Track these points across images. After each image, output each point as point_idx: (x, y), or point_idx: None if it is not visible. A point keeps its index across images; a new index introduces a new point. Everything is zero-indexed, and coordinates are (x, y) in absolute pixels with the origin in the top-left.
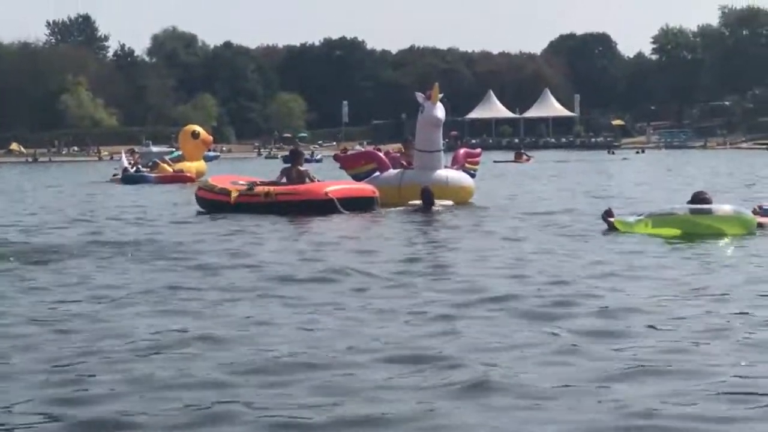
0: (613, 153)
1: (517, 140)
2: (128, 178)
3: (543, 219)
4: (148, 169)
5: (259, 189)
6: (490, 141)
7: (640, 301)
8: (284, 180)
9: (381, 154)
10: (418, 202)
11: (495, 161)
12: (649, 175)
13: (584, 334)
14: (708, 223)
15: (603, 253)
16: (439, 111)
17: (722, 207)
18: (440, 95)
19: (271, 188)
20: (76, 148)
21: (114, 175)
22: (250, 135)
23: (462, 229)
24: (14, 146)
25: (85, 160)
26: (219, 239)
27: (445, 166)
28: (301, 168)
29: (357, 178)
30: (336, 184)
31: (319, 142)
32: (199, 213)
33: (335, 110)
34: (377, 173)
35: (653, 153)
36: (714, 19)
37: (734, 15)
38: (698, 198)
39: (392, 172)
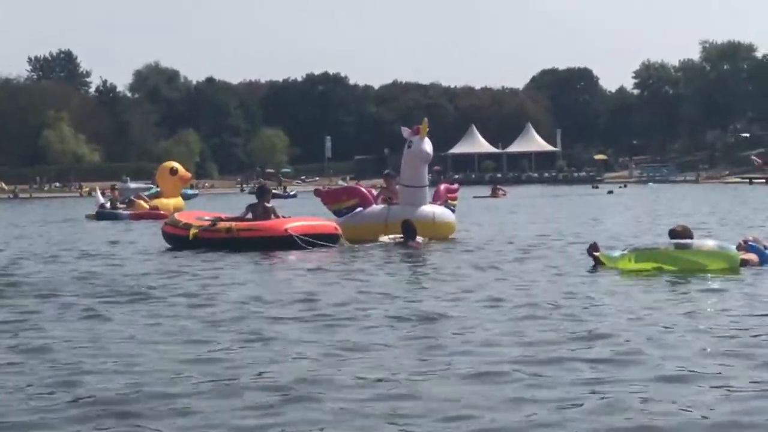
0: (597, 187)
1: (499, 175)
2: (102, 215)
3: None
4: (125, 206)
5: (221, 225)
6: (473, 176)
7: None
8: (249, 216)
9: (363, 189)
10: (395, 236)
11: (474, 197)
12: (645, 210)
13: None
14: (691, 259)
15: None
16: (428, 146)
17: (706, 242)
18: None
19: (233, 224)
20: (57, 184)
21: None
22: (233, 170)
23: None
24: None
25: (66, 196)
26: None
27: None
28: (268, 204)
29: (338, 213)
30: (298, 220)
31: (302, 177)
32: (166, 249)
33: (318, 145)
34: (360, 209)
35: (639, 187)
36: (695, 54)
37: (715, 49)
38: (676, 233)
39: (377, 207)
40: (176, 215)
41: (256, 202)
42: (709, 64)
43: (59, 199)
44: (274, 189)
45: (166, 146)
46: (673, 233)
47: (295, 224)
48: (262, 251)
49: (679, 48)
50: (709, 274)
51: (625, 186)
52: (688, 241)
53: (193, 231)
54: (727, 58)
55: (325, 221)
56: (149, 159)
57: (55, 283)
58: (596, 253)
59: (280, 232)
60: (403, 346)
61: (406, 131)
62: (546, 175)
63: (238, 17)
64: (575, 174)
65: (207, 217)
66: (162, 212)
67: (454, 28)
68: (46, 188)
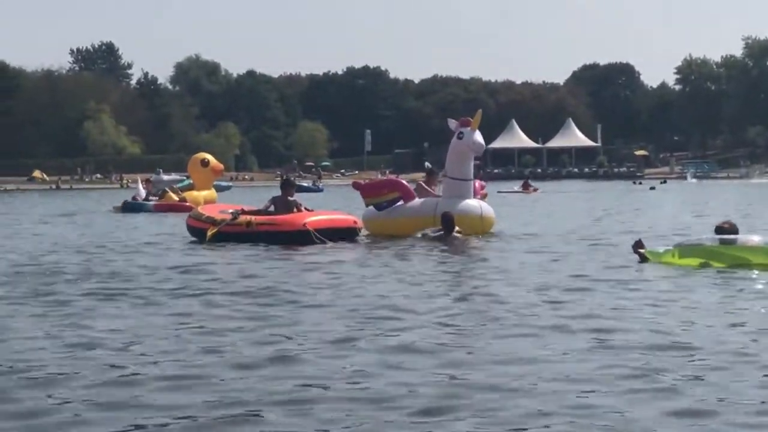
0: (640, 183)
1: (539, 170)
2: (128, 207)
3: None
4: (157, 198)
5: (242, 218)
6: (513, 171)
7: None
8: (271, 208)
9: (405, 183)
10: (436, 229)
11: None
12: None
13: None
14: (736, 254)
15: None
16: (480, 138)
17: (751, 237)
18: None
19: (253, 218)
20: (99, 176)
21: (125, 201)
22: (272, 163)
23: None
24: (37, 173)
25: (107, 188)
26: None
27: None
28: (291, 198)
29: (379, 207)
30: (318, 214)
31: (342, 170)
32: (191, 241)
33: (357, 139)
34: (400, 202)
35: (684, 184)
36: (738, 50)
37: (758, 46)
38: (722, 229)
39: (426, 200)
40: (200, 208)
41: (280, 194)
42: (751, 61)
43: (99, 190)
44: (305, 182)
45: (206, 139)
46: (720, 230)
47: (314, 218)
48: (285, 246)
49: (721, 44)
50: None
51: (665, 182)
52: (733, 236)
53: (210, 232)
54: None
55: (345, 215)
56: (189, 151)
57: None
58: (641, 250)
59: (299, 226)
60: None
61: (453, 123)
62: (586, 170)
63: (279, 10)
64: (615, 170)
65: (230, 210)
66: (188, 204)
67: (495, 22)
68: (87, 180)
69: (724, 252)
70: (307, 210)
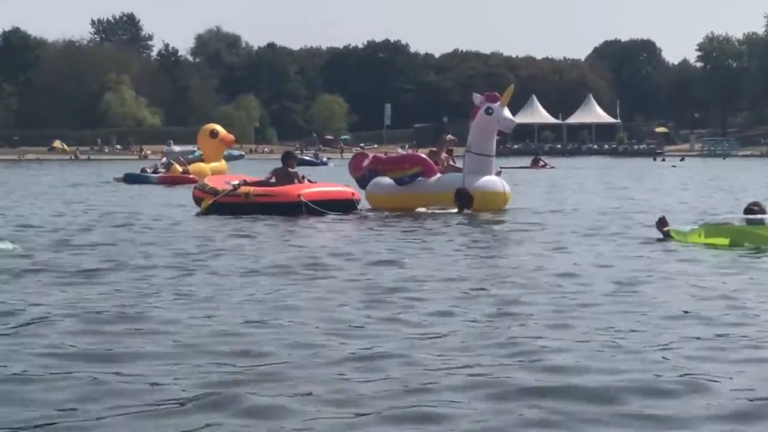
0: (663, 160)
1: (559, 146)
2: (130, 178)
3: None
4: (165, 169)
5: (241, 189)
6: (533, 146)
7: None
8: (273, 179)
9: (427, 158)
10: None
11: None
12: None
13: None
14: (764, 234)
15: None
16: (510, 114)
17: None
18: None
19: (251, 189)
20: (119, 147)
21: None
22: (292, 136)
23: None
24: (57, 144)
25: (127, 159)
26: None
27: None
28: (291, 169)
29: (400, 182)
30: (315, 186)
31: (361, 144)
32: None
33: (377, 113)
34: (421, 178)
35: (706, 160)
36: (760, 28)
37: None
38: (752, 209)
39: (452, 175)
40: (206, 179)
41: (281, 166)
42: None
43: (116, 161)
44: (307, 156)
45: (225, 111)
46: (749, 211)
47: (309, 190)
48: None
49: (743, 21)
50: None
51: (683, 159)
52: (760, 216)
53: (205, 203)
54: None
55: (343, 187)
56: (208, 123)
57: None
58: (666, 228)
59: (293, 198)
60: None
61: (478, 97)
62: (606, 147)
63: None
64: (635, 146)
65: (235, 182)
66: (191, 177)
67: None
68: (106, 150)
69: (752, 231)
70: (310, 182)
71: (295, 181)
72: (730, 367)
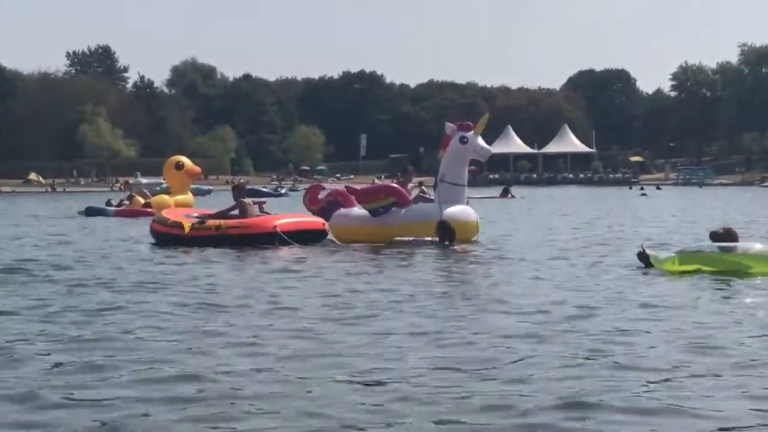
0: (641, 188)
1: (535, 175)
2: (90, 211)
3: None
4: (128, 202)
5: (210, 222)
6: (508, 176)
7: None
8: (236, 212)
9: (401, 188)
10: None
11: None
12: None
13: None
14: (736, 261)
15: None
16: (485, 143)
17: (752, 245)
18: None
19: (222, 222)
20: (96, 179)
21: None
22: (269, 167)
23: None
24: (33, 176)
25: (102, 191)
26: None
27: None
28: (244, 200)
29: (375, 212)
30: (286, 217)
31: (337, 174)
32: (152, 245)
33: (353, 143)
34: (395, 208)
35: (680, 189)
36: (733, 57)
37: (754, 52)
38: (717, 234)
39: (426, 206)
40: (164, 212)
41: (242, 199)
42: (747, 67)
43: (94, 193)
44: (265, 188)
45: (202, 142)
46: (715, 236)
47: (284, 221)
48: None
49: (717, 51)
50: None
51: (659, 188)
52: (732, 244)
53: (188, 225)
54: (765, 62)
55: (312, 217)
56: (185, 155)
57: None
58: (648, 252)
59: (269, 228)
60: None
61: (450, 127)
62: (581, 176)
63: (275, 14)
64: (611, 175)
65: (195, 215)
66: (150, 210)
67: (491, 27)
68: (82, 182)
69: (724, 259)
70: (266, 213)
71: (255, 211)
72: None
